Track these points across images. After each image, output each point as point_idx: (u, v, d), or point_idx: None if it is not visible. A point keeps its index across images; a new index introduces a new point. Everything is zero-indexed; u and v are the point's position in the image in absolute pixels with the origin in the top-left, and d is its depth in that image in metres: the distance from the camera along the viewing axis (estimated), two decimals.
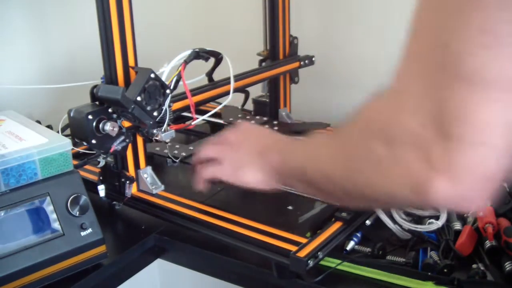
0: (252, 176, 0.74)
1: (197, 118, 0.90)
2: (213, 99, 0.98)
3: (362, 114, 0.53)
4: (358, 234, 0.76)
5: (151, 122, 0.80)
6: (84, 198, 0.70)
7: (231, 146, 0.78)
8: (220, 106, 0.97)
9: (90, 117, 0.76)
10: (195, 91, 0.94)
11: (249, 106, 1.22)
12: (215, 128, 1.17)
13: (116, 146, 0.81)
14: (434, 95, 0.42)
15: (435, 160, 0.43)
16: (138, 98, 0.76)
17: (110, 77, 0.80)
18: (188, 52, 0.85)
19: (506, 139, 0.41)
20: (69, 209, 0.69)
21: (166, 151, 1.00)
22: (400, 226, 0.75)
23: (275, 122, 1.16)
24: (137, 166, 0.87)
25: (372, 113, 0.51)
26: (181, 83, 0.84)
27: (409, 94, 0.45)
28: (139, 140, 0.86)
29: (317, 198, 0.74)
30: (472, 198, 0.45)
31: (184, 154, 1.01)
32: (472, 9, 0.38)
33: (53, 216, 0.68)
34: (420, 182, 0.44)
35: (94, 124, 0.77)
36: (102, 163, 0.85)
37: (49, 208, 0.68)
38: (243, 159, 0.75)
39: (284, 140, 0.76)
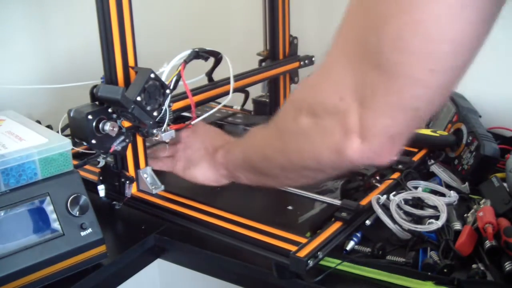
0: (202, 174, 0.84)
1: (197, 118, 0.90)
2: (213, 99, 0.98)
3: (292, 96, 0.64)
4: (358, 234, 0.76)
5: (151, 122, 0.80)
6: (84, 198, 0.70)
7: (184, 145, 0.88)
8: (219, 106, 0.97)
9: (90, 117, 0.76)
10: (195, 91, 0.94)
11: (249, 106, 1.22)
12: None
13: (116, 146, 0.81)
14: (355, 76, 0.53)
15: (351, 125, 0.54)
16: (138, 98, 0.76)
17: (110, 77, 0.80)
18: (188, 52, 0.85)
19: (405, 116, 0.53)
20: (69, 209, 0.69)
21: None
22: (400, 226, 0.75)
23: None
24: (137, 166, 0.87)
25: (299, 93, 0.63)
26: (181, 83, 0.84)
27: (333, 73, 0.55)
28: (139, 140, 0.86)
29: (261, 186, 0.81)
30: (381, 154, 0.56)
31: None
32: (389, 19, 0.48)
33: (53, 216, 0.68)
34: (340, 144, 0.56)
35: (94, 124, 0.77)
36: (102, 163, 0.85)
37: (49, 208, 0.68)
38: (193, 157, 0.85)
39: (230, 139, 0.86)
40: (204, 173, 0.84)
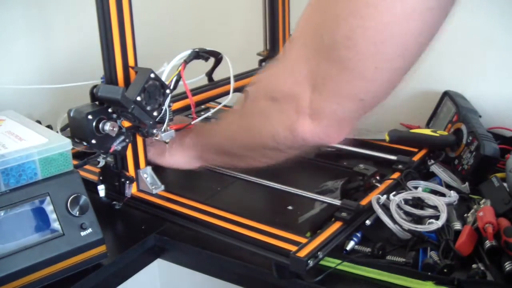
0: (174, 159, 0.89)
1: (197, 118, 0.90)
2: (213, 99, 0.98)
3: (254, 81, 0.70)
4: (358, 234, 0.76)
5: (151, 122, 0.80)
6: (84, 198, 0.70)
7: None
8: (219, 106, 0.97)
9: (90, 117, 0.76)
10: (195, 91, 0.94)
11: None
12: None
13: (116, 146, 0.81)
14: (309, 65, 0.59)
15: (303, 107, 0.61)
16: (138, 98, 0.76)
17: (110, 77, 0.80)
18: (188, 52, 0.85)
19: (351, 104, 0.59)
20: (69, 209, 0.69)
21: None
22: (400, 226, 0.75)
23: None
24: (137, 166, 0.87)
25: (260, 79, 0.69)
26: (181, 83, 0.84)
27: (290, 62, 0.62)
28: (139, 140, 0.86)
29: (228, 169, 0.90)
30: (329, 135, 0.63)
31: None
32: (340, 21, 0.53)
33: (53, 216, 0.68)
34: (293, 123, 0.63)
35: (94, 124, 0.77)
36: (102, 163, 0.85)
37: (49, 208, 0.68)
38: (163, 144, 0.87)
39: (199, 125, 0.90)
40: (175, 158, 0.88)
